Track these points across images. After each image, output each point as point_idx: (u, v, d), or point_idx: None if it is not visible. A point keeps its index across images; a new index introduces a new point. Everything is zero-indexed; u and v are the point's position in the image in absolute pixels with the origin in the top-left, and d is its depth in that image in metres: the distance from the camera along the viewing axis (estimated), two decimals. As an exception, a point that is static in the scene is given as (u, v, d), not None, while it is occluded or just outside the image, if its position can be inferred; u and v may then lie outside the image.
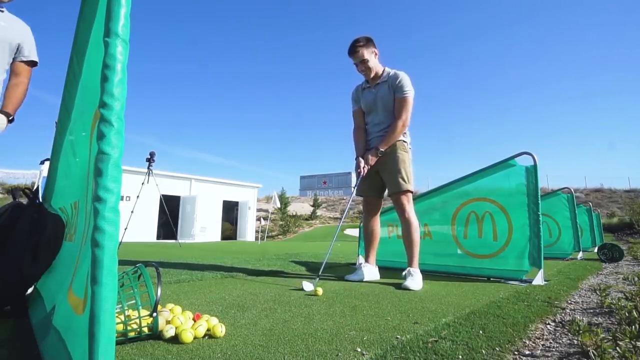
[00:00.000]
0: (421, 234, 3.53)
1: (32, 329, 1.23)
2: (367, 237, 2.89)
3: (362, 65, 2.64)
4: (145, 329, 1.15)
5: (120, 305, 1.09)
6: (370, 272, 2.75)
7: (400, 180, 2.60)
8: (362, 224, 3.13)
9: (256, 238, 18.09)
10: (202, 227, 17.03)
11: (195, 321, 1.26)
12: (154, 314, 1.14)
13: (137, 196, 6.93)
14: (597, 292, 2.21)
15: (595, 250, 6.35)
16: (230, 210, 19.62)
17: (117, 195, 0.65)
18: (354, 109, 2.88)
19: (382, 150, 2.63)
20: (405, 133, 2.69)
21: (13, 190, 1.86)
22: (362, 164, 2.65)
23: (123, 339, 1.11)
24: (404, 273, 2.54)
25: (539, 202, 2.77)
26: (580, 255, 5.63)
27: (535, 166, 2.81)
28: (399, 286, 2.39)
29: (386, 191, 2.82)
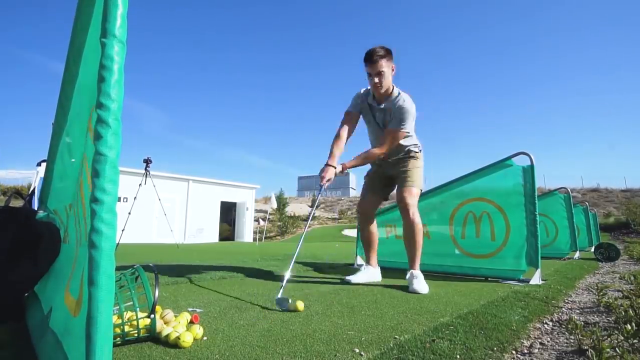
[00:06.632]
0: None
1: (29, 332, 1.22)
2: (367, 240, 2.84)
3: (378, 77, 2.40)
4: (143, 331, 1.14)
5: (118, 307, 1.09)
6: (373, 273, 2.74)
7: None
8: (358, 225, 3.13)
9: (254, 239, 18.06)
10: (199, 229, 16.99)
11: (193, 323, 1.26)
12: (152, 316, 1.14)
13: (135, 197, 6.98)
14: (594, 291, 2.22)
15: (592, 249, 6.39)
16: (228, 211, 19.59)
17: (114, 197, 0.65)
18: (351, 110, 2.61)
19: (348, 168, 2.52)
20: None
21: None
22: (328, 176, 2.36)
23: (121, 341, 1.10)
24: (407, 276, 2.42)
25: (536, 202, 2.78)
26: (577, 254, 5.66)
27: (532, 166, 2.83)
28: (407, 289, 2.29)
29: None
